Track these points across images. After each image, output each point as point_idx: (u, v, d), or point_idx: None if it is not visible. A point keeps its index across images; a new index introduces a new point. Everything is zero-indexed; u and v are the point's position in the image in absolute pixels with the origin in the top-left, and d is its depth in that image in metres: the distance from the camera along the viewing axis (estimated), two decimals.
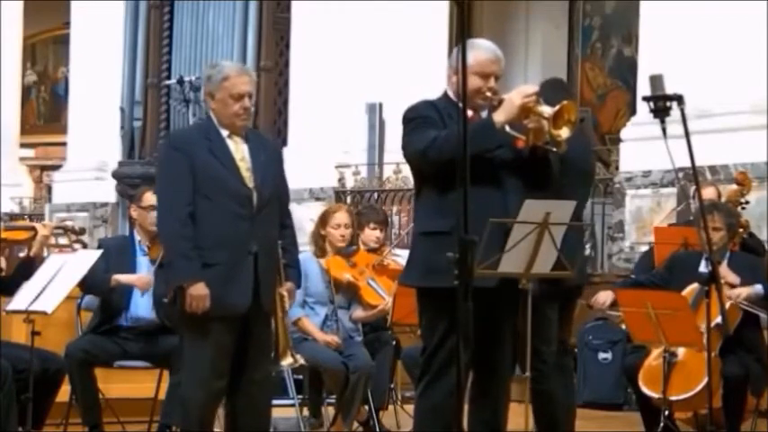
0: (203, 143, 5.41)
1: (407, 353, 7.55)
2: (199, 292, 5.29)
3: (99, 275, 6.73)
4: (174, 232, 5.36)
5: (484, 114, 5.06)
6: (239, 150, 5.45)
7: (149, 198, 7.00)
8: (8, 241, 6.48)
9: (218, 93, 5.43)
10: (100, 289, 6.88)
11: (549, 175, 5.10)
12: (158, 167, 5.59)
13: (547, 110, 4.94)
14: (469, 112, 5.07)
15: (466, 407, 5.15)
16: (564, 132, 4.94)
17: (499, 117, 4.96)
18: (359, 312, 7.48)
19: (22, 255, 6.62)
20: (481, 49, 5.10)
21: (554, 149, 5.01)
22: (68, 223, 9.92)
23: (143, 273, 6.83)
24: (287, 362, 5.66)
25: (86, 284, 6.76)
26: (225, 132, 5.45)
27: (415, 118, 5.09)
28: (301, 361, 5.75)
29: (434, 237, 4.94)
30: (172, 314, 6.94)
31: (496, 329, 5.08)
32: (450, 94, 5.15)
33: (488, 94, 5.04)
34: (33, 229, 6.60)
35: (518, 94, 5.00)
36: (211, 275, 5.31)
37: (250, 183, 5.41)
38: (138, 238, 7.06)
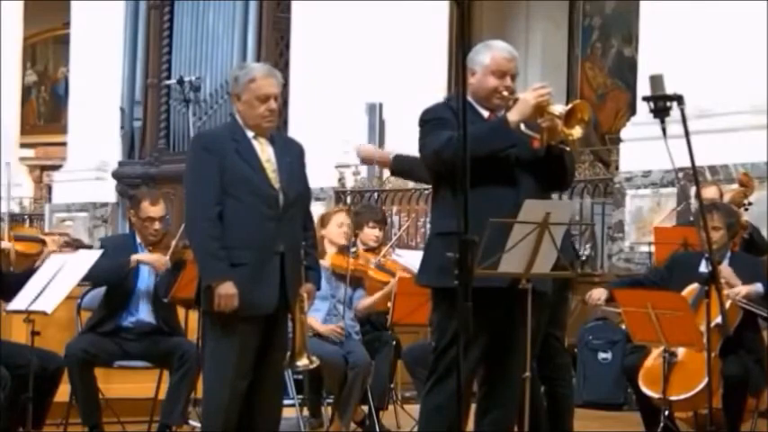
0: (230, 144, 5.42)
1: (408, 351, 7.55)
2: (227, 291, 5.30)
3: (116, 262, 6.73)
4: (202, 232, 5.37)
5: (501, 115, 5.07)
6: (265, 152, 5.47)
7: (147, 209, 6.95)
8: (17, 254, 6.49)
9: (245, 94, 5.44)
10: (116, 274, 6.81)
11: (564, 175, 5.12)
12: (187, 167, 5.60)
13: (559, 109, 4.95)
14: (486, 113, 5.09)
15: (473, 406, 5.18)
16: (576, 132, 4.95)
17: (513, 116, 4.97)
18: (366, 301, 7.48)
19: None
20: (496, 48, 5.12)
21: (567, 149, 5.02)
22: (69, 231, 9.90)
23: (159, 255, 6.86)
24: (302, 362, 5.67)
25: (99, 274, 6.67)
26: (250, 134, 5.47)
27: (431, 119, 5.11)
28: (317, 362, 5.76)
29: (449, 237, 4.93)
30: (171, 316, 7.02)
31: (511, 329, 5.08)
32: (468, 95, 5.15)
33: (505, 93, 5.04)
34: (43, 242, 6.61)
35: (532, 92, 5.00)
36: (239, 275, 5.32)
37: (276, 184, 5.42)
38: (138, 240, 7.06)
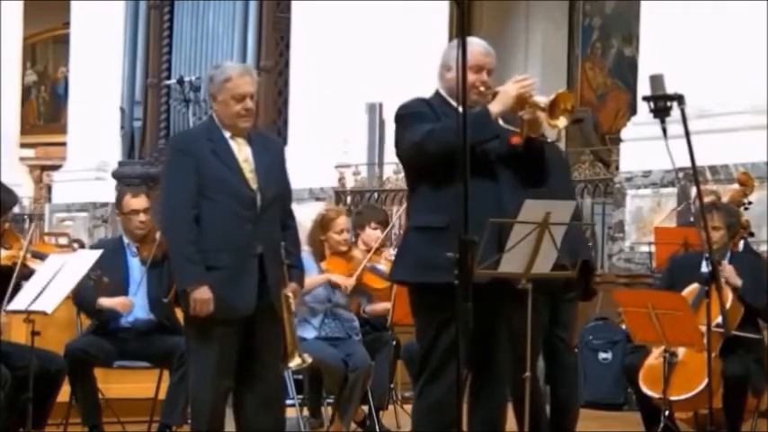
0: (206, 144, 5.38)
1: (407, 348, 7.54)
2: (202, 295, 5.26)
3: (87, 298, 6.81)
4: (179, 236, 5.34)
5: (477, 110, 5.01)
6: (242, 152, 5.42)
7: (130, 203, 6.98)
8: (24, 267, 6.51)
9: (221, 94, 5.39)
10: (87, 311, 6.98)
11: (544, 169, 5.08)
12: (163, 170, 5.57)
13: (542, 100, 4.92)
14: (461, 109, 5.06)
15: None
16: (561, 122, 4.93)
17: (495, 107, 4.93)
18: (376, 307, 7.52)
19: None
20: (473, 44, 5.04)
21: (549, 140, 5.00)
22: (69, 231, 9.88)
23: (123, 298, 6.88)
24: (295, 362, 5.65)
25: (76, 302, 6.88)
26: (227, 133, 5.42)
27: (409, 114, 5.07)
28: (309, 360, 5.75)
29: (429, 232, 4.93)
30: (171, 314, 7.02)
31: (492, 327, 5.06)
32: (443, 92, 5.12)
33: (482, 88, 5.01)
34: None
35: (514, 84, 4.97)
36: (216, 278, 5.29)
37: (253, 184, 5.37)
38: (126, 240, 7.06)
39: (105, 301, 6.85)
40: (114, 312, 6.86)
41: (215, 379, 5.36)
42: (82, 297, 6.84)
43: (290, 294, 5.51)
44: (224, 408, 5.47)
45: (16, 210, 16.77)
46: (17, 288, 6.40)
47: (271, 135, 5.68)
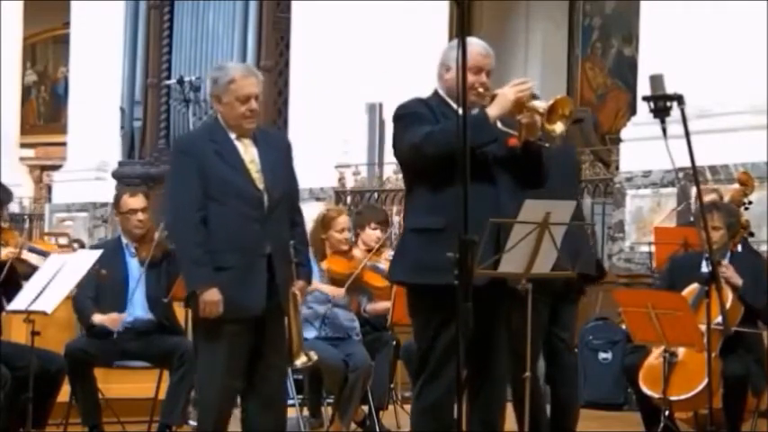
0: (209, 145, 5.35)
1: (407, 348, 7.54)
2: (212, 297, 5.25)
3: (85, 313, 6.89)
4: (186, 238, 5.32)
5: (475, 112, 5.00)
6: (249, 152, 5.39)
7: (127, 202, 7.00)
8: (19, 261, 6.51)
9: (225, 96, 5.35)
10: (83, 324, 7.04)
11: (541, 172, 5.07)
12: (168, 172, 5.54)
13: (541, 105, 4.92)
14: (460, 110, 5.05)
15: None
16: (558, 127, 4.92)
17: (493, 111, 4.92)
18: (377, 306, 7.52)
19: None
20: (472, 45, 4.99)
21: (546, 145, 5.00)
22: (69, 231, 9.91)
23: (115, 315, 6.88)
24: (301, 360, 5.64)
25: (74, 311, 6.98)
26: (233, 135, 5.39)
27: (407, 114, 5.05)
28: (315, 358, 5.74)
29: (427, 233, 4.93)
30: (170, 314, 7.03)
31: (489, 328, 5.06)
32: (441, 92, 5.11)
33: (480, 90, 5.00)
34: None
35: (512, 88, 4.97)
36: (225, 279, 5.27)
37: (260, 184, 5.35)
38: (125, 241, 7.06)
39: (98, 318, 6.87)
40: (122, 296, 6.88)
41: (223, 378, 5.35)
42: (80, 310, 6.92)
43: (297, 292, 5.51)
44: (230, 408, 5.47)
45: (16, 210, 16.87)
46: (17, 286, 6.41)
47: (276, 132, 5.63)
